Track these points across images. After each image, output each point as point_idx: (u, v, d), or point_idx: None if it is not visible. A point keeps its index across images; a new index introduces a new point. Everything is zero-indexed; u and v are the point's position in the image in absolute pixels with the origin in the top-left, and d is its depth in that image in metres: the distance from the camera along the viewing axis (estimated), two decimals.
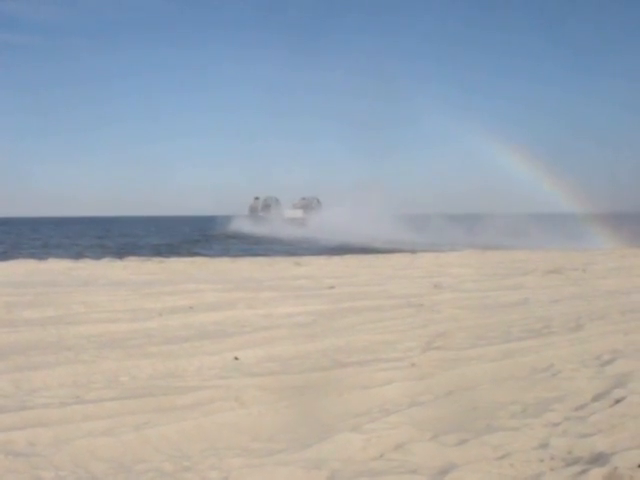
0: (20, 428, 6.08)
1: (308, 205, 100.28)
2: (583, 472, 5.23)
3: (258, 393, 7.47)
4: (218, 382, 7.95)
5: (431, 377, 8.22)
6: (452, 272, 21.55)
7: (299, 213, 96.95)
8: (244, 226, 78.82)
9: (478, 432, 6.26)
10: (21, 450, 5.63)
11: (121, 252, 38.38)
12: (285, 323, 11.92)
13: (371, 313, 12.92)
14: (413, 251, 34.18)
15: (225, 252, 40.84)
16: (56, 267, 22.68)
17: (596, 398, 7.39)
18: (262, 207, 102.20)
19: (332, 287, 17.00)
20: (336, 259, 27.92)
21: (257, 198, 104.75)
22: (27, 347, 9.62)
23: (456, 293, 16.10)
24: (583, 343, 10.23)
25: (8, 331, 10.48)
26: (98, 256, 30.94)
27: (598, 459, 5.51)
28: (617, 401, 7.19)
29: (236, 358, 9.17)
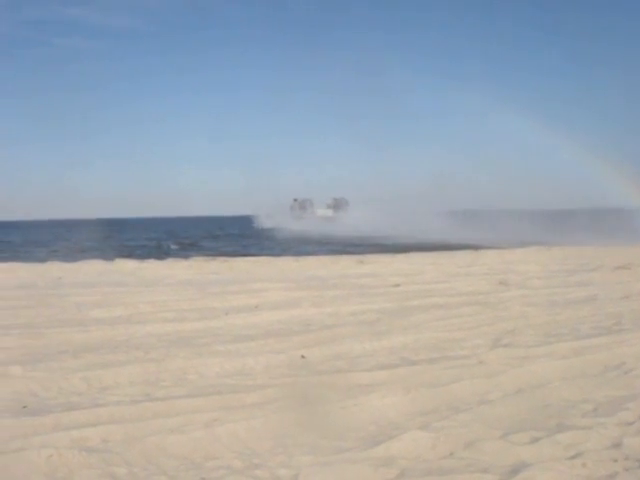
0: (93, 425, 6.19)
1: (338, 205, 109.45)
2: None
3: (325, 391, 7.48)
4: (285, 380, 7.98)
5: (500, 375, 8.13)
6: (518, 269, 21.29)
7: (330, 212, 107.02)
8: (286, 223, 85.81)
9: (549, 431, 6.17)
10: (95, 446, 5.73)
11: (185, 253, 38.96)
12: (351, 321, 11.91)
13: (437, 311, 12.83)
14: (476, 248, 33.84)
15: (281, 251, 40.93)
16: (123, 267, 23.03)
17: None
18: (299, 207, 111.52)
19: (397, 285, 16.94)
20: (400, 257, 27.78)
21: (295, 200, 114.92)
22: (98, 346, 9.80)
23: (523, 290, 15.91)
24: None
25: (79, 330, 10.70)
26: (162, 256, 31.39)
27: None
28: None
29: (303, 356, 9.20)
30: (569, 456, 5.57)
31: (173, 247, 50.52)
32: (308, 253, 34.92)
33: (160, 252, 40.99)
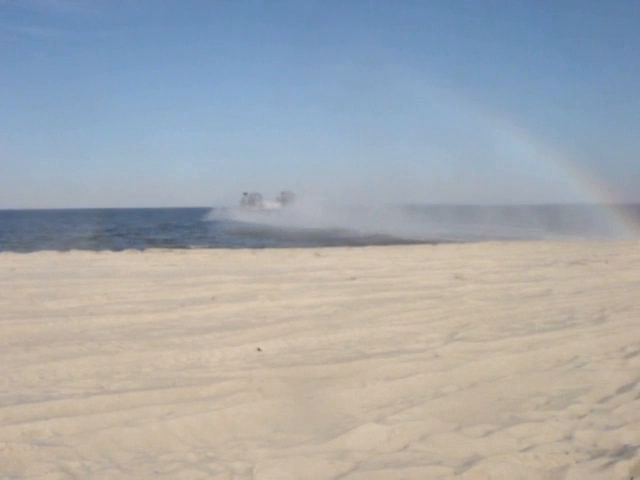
0: (45, 418, 6.11)
1: (285, 198, 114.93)
2: (609, 465, 5.19)
3: (281, 384, 7.47)
4: (241, 373, 7.96)
5: (455, 368, 8.19)
6: (474, 263, 21.47)
7: (277, 205, 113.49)
8: (236, 216, 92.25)
9: (502, 424, 6.23)
10: (47, 440, 5.66)
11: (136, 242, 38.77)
12: (307, 314, 11.91)
13: (394, 304, 12.88)
14: (434, 242, 34.11)
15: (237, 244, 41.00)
16: (78, 258, 22.81)
17: (621, 390, 7.34)
18: (248, 201, 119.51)
19: (353, 278, 16.99)
20: (357, 250, 27.89)
21: (245, 194, 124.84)
22: (51, 338, 9.68)
23: (478, 284, 16.04)
24: (607, 335, 10.15)
25: (32, 322, 10.55)
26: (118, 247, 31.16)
27: (624, 452, 5.46)
28: None
29: (259, 349, 9.18)
30: (522, 448, 5.62)
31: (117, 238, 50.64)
32: (257, 246, 34.90)
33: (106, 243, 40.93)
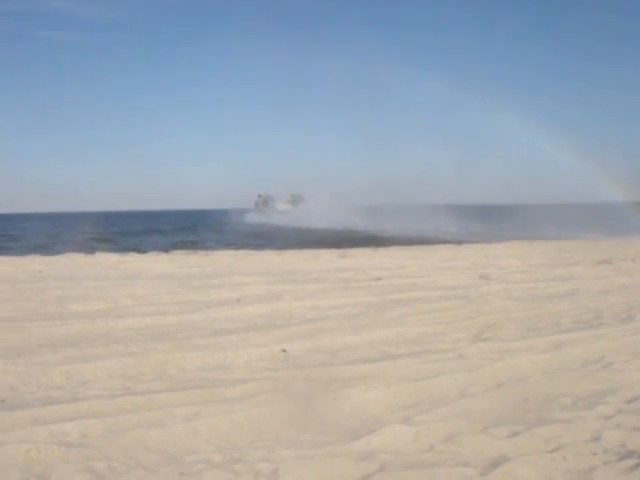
0: (72, 419, 6.15)
1: (295, 200, 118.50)
2: (637, 466, 5.14)
3: (306, 385, 7.47)
4: (266, 374, 7.96)
5: (480, 369, 8.14)
6: (499, 263, 21.36)
7: (288, 207, 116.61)
8: (251, 217, 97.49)
9: (529, 424, 6.17)
10: (74, 441, 5.70)
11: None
12: (332, 315, 11.90)
13: (419, 304, 12.84)
14: (459, 242, 33.98)
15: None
16: (104, 261, 22.94)
17: None
18: (262, 203, 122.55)
19: (379, 279, 16.96)
20: (381, 251, 27.83)
21: (259, 196, 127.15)
22: (77, 340, 9.74)
23: (504, 284, 15.95)
24: (635, 334, 10.05)
25: (59, 324, 10.64)
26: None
27: None
28: None
29: (284, 350, 9.18)
30: (549, 449, 5.58)
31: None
32: (280, 247, 34.94)
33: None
